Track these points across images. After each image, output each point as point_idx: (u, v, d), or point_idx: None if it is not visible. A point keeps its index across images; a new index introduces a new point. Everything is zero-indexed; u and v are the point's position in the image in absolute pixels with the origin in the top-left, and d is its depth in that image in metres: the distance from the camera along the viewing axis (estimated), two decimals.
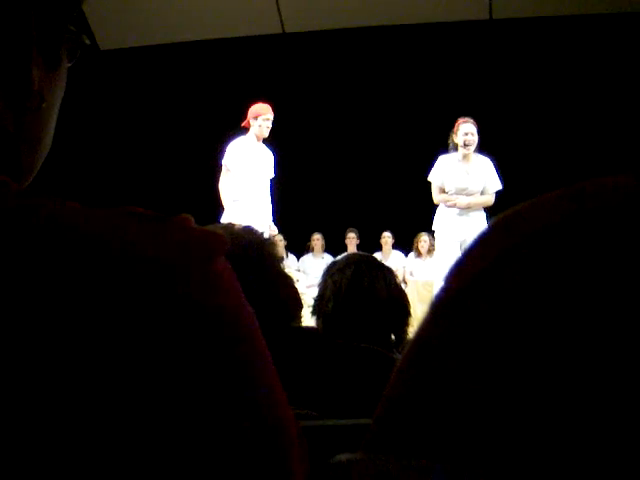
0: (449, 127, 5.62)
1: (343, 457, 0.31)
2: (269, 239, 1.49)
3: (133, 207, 0.48)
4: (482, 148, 5.66)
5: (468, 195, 5.56)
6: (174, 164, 8.39)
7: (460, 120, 5.56)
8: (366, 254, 1.89)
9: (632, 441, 0.27)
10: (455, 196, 5.58)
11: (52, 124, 0.63)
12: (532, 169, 7.34)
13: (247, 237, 1.40)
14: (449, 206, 5.61)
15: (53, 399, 0.41)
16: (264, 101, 5.92)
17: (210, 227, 1.43)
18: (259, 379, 0.47)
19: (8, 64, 0.56)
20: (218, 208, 5.85)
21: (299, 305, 1.42)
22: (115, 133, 8.37)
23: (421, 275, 8.13)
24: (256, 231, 1.46)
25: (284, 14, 7.52)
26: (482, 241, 0.35)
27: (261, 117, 5.80)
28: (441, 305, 0.35)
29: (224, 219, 5.76)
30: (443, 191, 5.67)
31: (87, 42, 0.62)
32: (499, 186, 5.60)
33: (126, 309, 0.43)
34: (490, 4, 7.30)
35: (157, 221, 0.47)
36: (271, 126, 5.85)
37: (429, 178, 5.71)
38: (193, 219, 0.49)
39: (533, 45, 7.74)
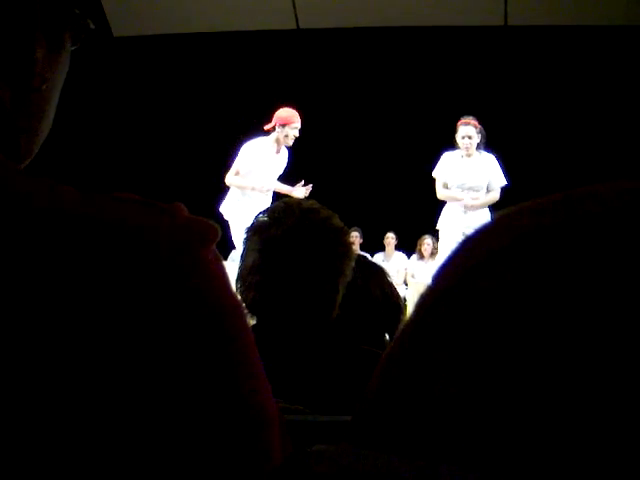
0: None
1: (320, 447, 0.31)
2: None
3: (127, 193, 0.49)
4: (494, 149, 5.67)
5: (472, 191, 5.56)
6: (182, 153, 8.40)
7: (460, 121, 5.54)
8: (359, 253, 1.89)
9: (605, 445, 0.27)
10: (458, 191, 5.58)
11: (52, 106, 0.63)
12: (543, 169, 7.37)
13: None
14: (454, 201, 5.63)
15: (42, 374, 0.42)
16: (287, 99, 5.63)
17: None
18: (242, 366, 0.47)
19: (11, 44, 0.56)
20: (221, 197, 5.80)
21: None
22: (124, 120, 8.37)
23: (423, 277, 8.13)
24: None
25: (299, 10, 7.52)
26: (471, 242, 0.35)
27: (289, 125, 5.43)
28: (426, 304, 0.35)
29: (224, 208, 5.70)
30: (446, 187, 5.68)
31: (92, 26, 0.62)
32: (504, 182, 5.59)
33: (114, 292, 0.43)
34: (505, 10, 7.29)
35: (149, 208, 0.48)
36: (298, 135, 5.47)
37: (433, 174, 5.72)
38: (185, 207, 0.49)
39: (546, 52, 7.74)
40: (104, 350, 0.43)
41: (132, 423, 0.43)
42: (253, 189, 5.52)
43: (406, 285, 8.09)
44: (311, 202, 1.51)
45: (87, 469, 0.42)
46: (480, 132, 5.55)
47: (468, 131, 5.49)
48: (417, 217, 7.89)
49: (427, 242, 8.35)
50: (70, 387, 0.42)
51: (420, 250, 8.49)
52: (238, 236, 5.08)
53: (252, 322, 1.43)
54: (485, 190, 5.61)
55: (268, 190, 5.53)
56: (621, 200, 0.32)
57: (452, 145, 5.65)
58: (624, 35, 7.01)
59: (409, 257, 8.76)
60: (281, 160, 5.70)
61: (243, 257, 1.47)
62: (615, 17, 6.87)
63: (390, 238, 8.85)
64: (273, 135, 5.52)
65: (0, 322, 0.42)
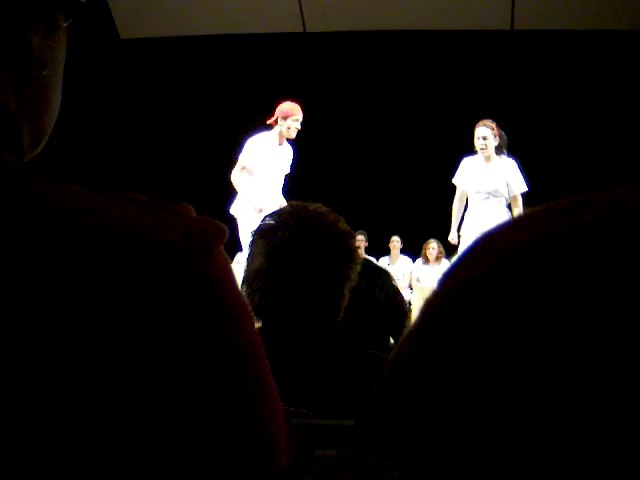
0: (464, 133, 5.61)
1: (324, 452, 0.31)
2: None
3: (134, 194, 0.48)
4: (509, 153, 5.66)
5: (491, 197, 5.53)
6: (189, 155, 8.41)
7: (478, 123, 5.54)
8: (364, 257, 1.89)
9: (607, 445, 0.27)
10: (477, 197, 5.57)
11: (56, 94, 0.62)
12: (550, 173, 7.35)
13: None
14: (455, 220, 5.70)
15: (41, 371, 0.42)
16: (293, 100, 5.66)
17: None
18: (249, 368, 0.47)
19: (6, 31, 0.55)
20: (229, 199, 5.80)
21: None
22: (131, 121, 8.39)
23: (428, 281, 8.12)
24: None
25: (306, 13, 7.53)
26: (476, 248, 0.35)
27: (291, 118, 5.49)
28: (431, 308, 0.35)
29: (234, 210, 5.70)
30: (465, 194, 5.67)
31: (82, 0, 0.60)
32: (524, 188, 5.56)
33: (122, 293, 0.43)
34: (512, 15, 7.28)
35: (158, 208, 0.47)
36: (300, 127, 5.53)
37: (453, 181, 5.71)
38: (193, 208, 0.49)
39: (553, 57, 7.74)
40: (111, 350, 0.42)
41: (138, 425, 0.42)
42: (247, 201, 5.55)
43: (411, 289, 8.09)
44: (317, 205, 1.51)
45: (90, 472, 0.42)
46: (498, 135, 5.52)
47: (482, 132, 5.49)
48: (422, 221, 7.89)
49: (432, 246, 8.35)
50: (80, 390, 0.42)
51: (425, 254, 8.48)
52: (245, 238, 5.09)
53: (257, 325, 1.43)
54: (506, 196, 5.56)
55: (261, 211, 5.44)
56: (624, 207, 0.32)
57: (470, 150, 5.62)
58: (631, 40, 7.01)
59: (414, 261, 8.75)
60: (285, 154, 5.71)
61: (249, 260, 1.47)
62: (622, 22, 6.86)
63: (395, 242, 8.84)
64: (276, 129, 5.59)
65: (4, 322, 0.42)
